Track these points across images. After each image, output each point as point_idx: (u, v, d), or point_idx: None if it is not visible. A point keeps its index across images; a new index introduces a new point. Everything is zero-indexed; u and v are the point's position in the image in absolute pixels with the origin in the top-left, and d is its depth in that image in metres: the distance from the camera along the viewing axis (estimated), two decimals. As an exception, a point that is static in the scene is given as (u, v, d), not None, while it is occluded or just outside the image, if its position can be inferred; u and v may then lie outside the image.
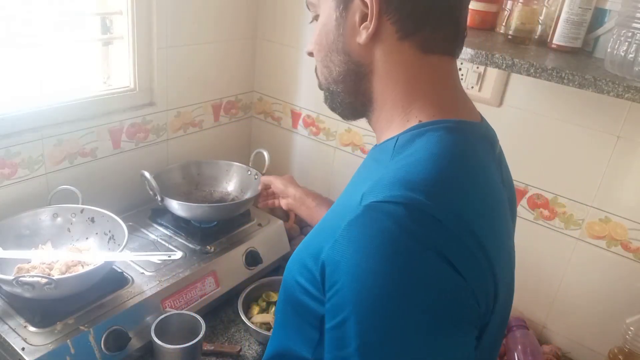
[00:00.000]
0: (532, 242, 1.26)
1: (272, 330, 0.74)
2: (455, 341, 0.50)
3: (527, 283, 1.29)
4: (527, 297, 1.30)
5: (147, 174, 1.22)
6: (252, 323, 1.12)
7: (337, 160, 1.58)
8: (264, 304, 1.21)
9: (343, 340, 0.51)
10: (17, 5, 1.10)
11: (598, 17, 1.06)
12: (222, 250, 1.24)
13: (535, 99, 1.19)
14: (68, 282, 0.96)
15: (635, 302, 1.14)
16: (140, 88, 1.35)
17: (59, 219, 1.15)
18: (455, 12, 0.60)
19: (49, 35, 1.19)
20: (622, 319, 1.11)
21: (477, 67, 1.24)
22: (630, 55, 0.88)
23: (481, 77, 1.24)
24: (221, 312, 1.20)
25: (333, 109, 0.68)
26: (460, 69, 1.27)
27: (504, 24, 1.14)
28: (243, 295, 1.19)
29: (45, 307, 0.96)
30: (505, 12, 1.15)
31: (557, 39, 1.05)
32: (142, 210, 1.36)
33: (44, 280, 0.91)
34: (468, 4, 0.63)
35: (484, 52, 0.96)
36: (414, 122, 0.60)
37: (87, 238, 1.15)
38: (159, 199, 1.23)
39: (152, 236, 1.27)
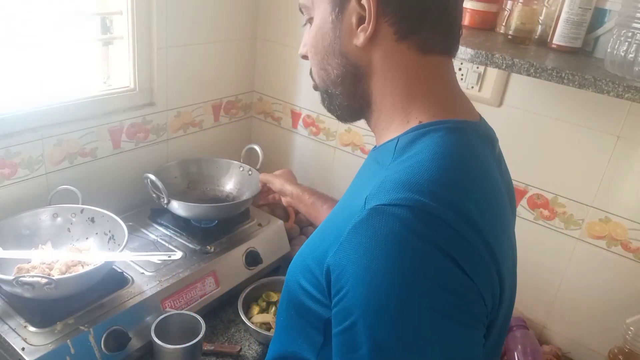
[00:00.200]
0: (532, 242, 1.26)
1: (272, 331, 0.74)
2: (465, 339, 0.50)
3: (527, 283, 1.29)
4: (527, 297, 1.30)
5: (152, 176, 1.22)
6: (252, 323, 1.12)
7: (337, 160, 1.58)
8: (264, 304, 1.21)
9: (353, 343, 0.51)
10: (17, 5, 1.10)
11: (598, 17, 1.06)
12: (222, 250, 1.24)
13: (535, 99, 1.19)
14: (68, 282, 0.96)
15: (635, 302, 1.14)
16: (140, 88, 1.35)
17: (59, 219, 1.15)
18: (452, 12, 0.60)
19: (49, 35, 1.19)
20: (622, 319, 1.11)
21: (477, 67, 1.24)
22: (630, 55, 0.88)
23: (481, 77, 1.24)
24: (221, 312, 1.20)
25: (331, 111, 0.68)
26: (460, 69, 1.27)
27: (504, 24, 1.14)
28: (243, 295, 1.19)
29: (45, 307, 0.96)
30: (505, 12, 1.15)
31: (557, 39, 1.05)
32: (142, 210, 1.36)
33: (44, 280, 0.91)
34: (462, 2, 0.63)
35: (484, 52, 0.96)
36: (414, 123, 0.59)
37: (87, 238, 1.15)
38: (166, 201, 1.22)
39: (152, 236, 1.27)
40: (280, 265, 1.38)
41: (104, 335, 0.96)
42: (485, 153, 0.61)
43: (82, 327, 0.95)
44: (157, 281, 1.10)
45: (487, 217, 0.54)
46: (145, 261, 1.14)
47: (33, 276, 0.92)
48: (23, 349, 0.89)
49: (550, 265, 1.25)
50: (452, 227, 0.49)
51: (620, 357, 1.10)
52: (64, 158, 1.23)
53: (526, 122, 1.20)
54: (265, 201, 1.31)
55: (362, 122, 0.69)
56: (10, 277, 0.90)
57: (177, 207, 1.24)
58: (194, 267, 1.16)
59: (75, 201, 1.16)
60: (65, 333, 0.93)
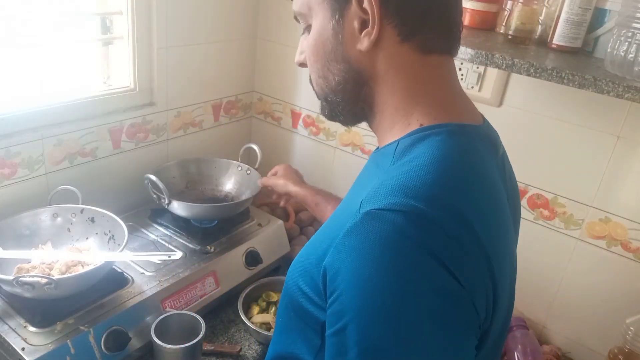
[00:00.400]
0: (532, 242, 1.26)
1: (272, 331, 0.74)
2: (455, 347, 0.50)
3: (527, 283, 1.29)
4: (527, 297, 1.30)
5: (152, 177, 1.22)
6: (252, 323, 1.12)
7: (337, 160, 1.58)
8: (264, 304, 1.21)
9: (344, 346, 0.51)
10: (17, 5, 1.10)
11: (598, 17, 1.06)
12: (222, 250, 1.24)
13: (535, 99, 1.19)
14: (68, 282, 0.96)
15: (635, 302, 1.14)
16: (140, 88, 1.35)
17: (59, 219, 1.15)
18: (452, 11, 0.60)
19: (49, 35, 1.19)
20: (622, 319, 1.11)
21: (477, 67, 1.24)
22: (630, 55, 0.88)
23: (481, 77, 1.24)
24: (221, 312, 1.20)
25: (333, 118, 0.67)
26: (460, 69, 1.27)
27: (504, 24, 1.14)
28: (243, 295, 1.19)
29: (45, 307, 0.96)
30: (505, 12, 1.15)
31: (557, 39, 1.05)
32: (142, 210, 1.36)
33: (44, 280, 0.91)
34: (462, 1, 0.63)
35: (484, 52, 0.96)
36: (415, 126, 0.59)
37: (87, 238, 1.15)
38: (167, 201, 1.22)
39: (152, 236, 1.27)
40: (280, 265, 1.38)
41: (104, 335, 0.96)
42: (486, 157, 0.61)
43: (82, 327, 0.95)
44: (157, 281, 1.10)
45: (484, 222, 0.54)
46: (145, 261, 1.14)
47: (33, 276, 0.92)
48: (23, 349, 0.89)
49: (550, 265, 1.25)
50: (446, 233, 0.49)
51: (620, 357, 1.10)
52: (64, 158, 1.23)
53: (526, 122, 1.20)
54: (266, 202, 1.31)
55: (362, 122, 0.69)
56: (10, 277, 0.90)
57: (178, 207, 1.24)
58: (194, 267, 1.16)
59: (75, 201, 1.16)
60: (65, 333, 0.93)
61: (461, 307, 0.50)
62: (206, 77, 1.51)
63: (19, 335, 0.92)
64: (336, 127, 1.55)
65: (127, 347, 0.98)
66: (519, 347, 1.17)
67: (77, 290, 0.98)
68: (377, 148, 0.66)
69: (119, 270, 1.10)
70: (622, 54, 0.89)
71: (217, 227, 1.31)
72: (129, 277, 1.10)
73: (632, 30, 0.88)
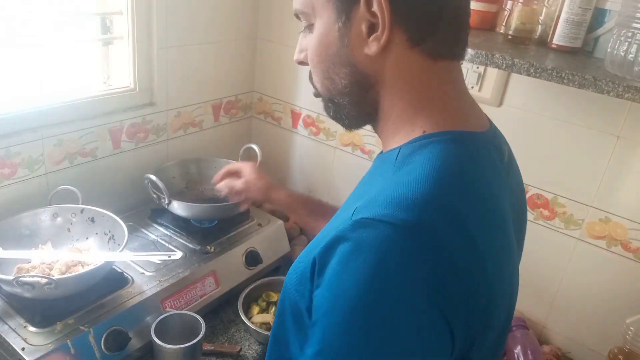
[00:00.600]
0: (532, 242, 1.25)
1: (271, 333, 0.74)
2: None
3: (527, 283, 1.28)
4: (527, 297, 1.30)
5: (152, 177, 1.22)
6: (252, 323, 1.12)
7: (337, 160, 1.58)
8: (264, 304, 1.21)
9: (309, 339, 0.52)
10: (17, 5, 1.10)
11: (598, 17, 1.06)
12: (222, 250, 1.24)
13: (535, 99, 1.19)
14: (68, 282, 0.96)
15: (635, 302, 1.14)
16: (140, 88, 1.35)
17: (59, 219, 1.15)
18: (462, 14, 0.59)
19: (49, 35, 1.19)
20: (622, 319, 1.11)
21: (477, 67, 1.24)
22: (630, 55, 0.88)
23: (481, 77, 1.24)
24: (221, 312, 1.20)
25: (337, 120, 0.66)
26: (460, 69, 1.27)
27: (504, 24, 1.14)
28: (243, 295, 1.19)
29: (45, 307, 0.96)
30: (505, 12, 1.15)
31: (557, 39, 1.05)
32: (142, 210, 1.36)
33: (44, 280, 0.91)
34: (470, 4, 0.62)
35: (484, 52, 0.96)
36: (418, 133, 0.58)
37: (87, 238, 1.15)
38: (167, 201, 1.22)
39: (152, 236, 1.27)
40: (280, 265, 1.38)
41: (104, 335, 0.96)
42: (487, 167, 0.59)
43: (82, 327, 0.95)
44: (157, 281, 1.10)
45: (478, 238, 0.53)
46: (145, 261, 1.14)
47: (33, 276, 0.92)
48: (23, 349, 0.89)
49: (550, 265, 1.25)
50: (433, 250, 0.48)
51: (620, 357, 1.10)
52: (64, 158, 1.23)
53: (526, 122, 1.20)
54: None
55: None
56: (10, 277, 0.90)
57: (178, 207, 1.24)
58: (194, 267, 1.16)
59: (75, 201, 1.16)
60: (65, 333, 0.93)
61: (433, 333, 0.49)
62: (206, 77, 1.51)
63: (19, 335, 0.92)
64: (336, 127, 1.55)
65: (127, 347, 0.98)
66: (519, 347, 1.17)
67: (77, 290, 0.98)
68: (381, 152, 0.65)
69: (119, 270, 1.10)
70: (622, 54, 0.89)
71: (217, 227, 1.31)
72: (129, 277, 1.10)
73: (632, 30, 0.88)
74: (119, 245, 1.06)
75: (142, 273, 1.12)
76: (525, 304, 1.31)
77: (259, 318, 1.16)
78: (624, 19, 0.90)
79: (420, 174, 0.52)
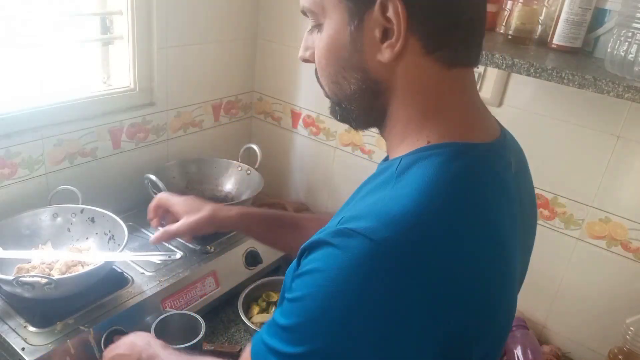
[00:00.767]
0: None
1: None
2: None
3: (527, 283, 1.28)
4: (527, 297, 1.29)
5: (152, 177, 1.22)
6: (252, 323, 1.12)
7: (337, 160, 1.58)
8: (264, 304, 1.21)
9: (281, 308, 0.54)
10: (17, 5, 1.10)
11: (598, 17, 1.06)
12: (222, 250, 1.24)
13: (535, 99, 1.19)
14: (68, 282, 0.96)
15: (635, 302, 1.14)
16: (140, 88, 1.35)
17: (59, 219, 1.15)
18: (480, 20, 0.57)
19: (49, 35, 1.19)
20: (622, 319, 1.11)
21: (477, 67, 1.23)
22: (630, 55, 0.88)
23: (481, 77, 1.24)
24: (221, 312, 1.20)
25: (344, 122, 0.65)
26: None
27: (504, 24, 1.14)
28: (243, 295, 1.19)
29: (45, 307, 0.96)
30: (505, 12, 1.15)
31: (557, 39, 1.05)
32: (142, 210, 1.35)
33: (44, 280, 0.91)
34: (486, 9, 0.60)
35: (484, 52, 0.96)
36: (422, 143, 0.57)
37: (87, 238, 1.15)
38: None
39: (152, 236, 1.27)
40: (280, 265, 1.38)
41: (104, 335, 0.96)
42: (488, 183, 0.57)
43: (82, 327, 0.95)
44: (157, 281, 1.10)
45: (473, 253, 0.51)
46: (145, 261, 1.14)
47: (33, 276, 0.92)
48: (23, 349, 0.89)
49: (550, 265, 1.25)
50: (408, 272, 0.48)
51: (620, 357, 1.10)
52: (64, 158, 1.23)
53: (526, 122, 1.20)
54: (266, 202, 1.26)
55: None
56: (10, 277, 0.90)
57: (177, 207, 1.24)
58: (194, 267, 1.16)
59: (75, 201, 1.16)
60: (65, 333, 0.93)
61: (394, 348, 0.49)
62: (206, 77, 1.51)
63: (19, 335, 0.92)
64: (336, 127, 1.55)
65: (127, 347, 0.98)
66: (519, 347, 1.17)
67: (77, 290, 0.98)
68: (386, 157, 0.64)
69: (119, 270, 1.10)
70: (622, 54, 0.89)
71: (217, 227, 1.31)
72: (129, 277, 1.10)
73: (632, 30, 0.88)
74: (119, 245, 1.06)
75: (142, 273, 1.12)
76: (525, 304, 1.31)
77: (259, 318, 1.16)
78: (624, 19, 0.90)
79: (413, 188, 0.51)
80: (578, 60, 1.01)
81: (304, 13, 0.61)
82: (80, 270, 1.03)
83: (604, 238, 1.17)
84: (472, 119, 0.60)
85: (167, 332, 1.00)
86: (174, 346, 0.95)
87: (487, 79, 1.23)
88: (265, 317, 1.16)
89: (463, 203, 0.53)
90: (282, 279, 0.75)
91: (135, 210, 1.36)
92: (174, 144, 1.49)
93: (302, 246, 0.54)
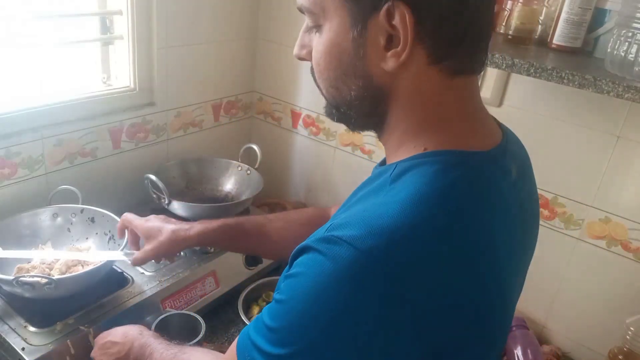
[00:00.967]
0: (532, 242, 1.26)
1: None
2: None
3: (527, 283, 1.28)
4: (527, 297, 1.29)
5: (152, 177, 1.22)
6: (252, 323, 1.12)
7: (337, 160, 1.58)
8: (264, 304, 1.21)
9: (268, 310, 0.54)
10: (17, 5, 1.09)
11: (598, 17, 1.06)
12: (222, 250, 1.24)
13: (535, 99, 1.19)
14: (68, 282, 0.96)
15: (635, 302, 1.14)
16: (140, 88, 1.35)
17: (59, 219, 1.15)
18: (487, 28, 0.56)
19: (49, 35, 1.18)
20: (622, 319, 1.11)
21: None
22: (630, 55, 0.88)
23: (481, 77, 1.24)
24: (221, 312, 1.20)
25: (340, 122, 0.64)
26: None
27: (504, 24, 1.14)
28: (243, 295, 1.19)
29: (45, 307, 0.96)
30: (505, 12, 1.15)
31: (557, 39, 1.05)
32: (142, 210, 1.35)
33: (44, 280, 0.91)
34: (494, 14, 0.59)
35: (484, 52, 0.96)
36: (418, 150, 0.56)
37: (87, 238, 1.15)
38: (167, 201, 1.22)
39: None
40: (281, 265, 1.38)
41: (104, 335, 0.96)
42: (484, 188, 0.56)
43: (82, 327, 0.95)
44: (157, 281, 1.10)
45: (459, 271, 0.50)
46: (145, 261, 1.14)
47: (33, 276, 0.92)
48: (23, 349, 0.89)
49: (550, 265, 1.25)
50: (396, 283, 0.47)
51: (620, 357, 1.10)
52: (64, 158, 1.23)
53: (526, 122, 1.20)
54: (266, 202, 1.27)
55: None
56: (10, 277, 0.90)
57: (178, 207, 1.24)
58: (194, 267, 1.16)
59: (75, 201, 1.16)
60: (65, 333, 0.93)
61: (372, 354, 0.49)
62: (206, 77, 1.51)
63: (19, 335, 0.92)
64: (336, 127, 1.55)
65: (127, 347, 0.98)
66: (519, 347, 1.17)
67: (77, 290, 0.98)
68: (383, 160, 0.63)
69: (119, 270, 1.10)
70: (622, 54, 0.89)
71: (217, 227, 1.31)
72: (129, 277, 1.10)
73: (632, 30, 0.88)
74: (119, 245, 1.06)
75: (142, 273, 1.12)
76: (525, 304, 1.31)
77: (259, 318, 1.16)
78: (624, 19, 0.91)
79: (404, 197, 0.50)
80: (578, 60, 1.01)
81: (301, 10, 0.59)
82: (80, 270, 1.03)
83: (604, 238, 1.17)
84: (472, 126, 0.58)
85: (167, 332, 1.00)
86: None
87: (487, 79, 1.23)
88: (265, 317, 1.16)
89: (454, 214, 0.51)
90: (282, 280, 0.75)
91: (135, 210, 1.35)
92: (174, 144, 1.49)
93: (294, 249, 0.54)
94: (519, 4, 1.07)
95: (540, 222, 1.23)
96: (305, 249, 0.52)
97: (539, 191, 1.22)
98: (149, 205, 1.35)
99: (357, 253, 0.47)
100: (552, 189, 1.21)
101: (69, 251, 1.11)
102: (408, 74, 0.54)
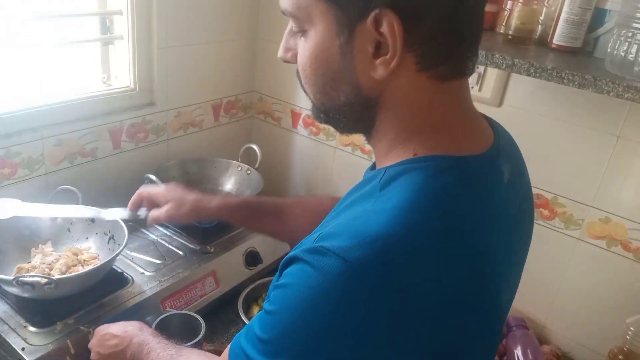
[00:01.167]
0: (532, 242, 1.26)
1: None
2: None
3: (527, 283, 1.28)
4: (527, 297, 1.29)
5: (152, 177, 1.22)
6: (252, 323, 1.12)
7: (337, 160, 1.58)
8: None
9: (259, 321, 0.54)
10: (17, 5, 1.09)
11: (598, 17, 1.06)
12: (222, 250, 1.24)
13: (535, 99, 1.19)
14: (68, 282, 0.96)
15: (635, 302, 1.14)
16: (140, 88, 1.35)
17: (59, 219, 1.15)
18: (478, 30, 0.55)
19: (49, 35, 1.18)
20: (622, 319, 1.11)
21: (477, 67, 1.24)
22: (630, 55, 0.88)
23: (481, 77, 1.24)
24: (221, 312, 1.20)
25: (329, 125, 0.63)
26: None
27: (504, 24, 1.14)
28: (243, 295, 1.19)
29: (45, 307, 0.96)
30: (505, 12, 1.15)
31: (557, 39, 1.05)
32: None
33: (44, 280, 0.91)
34: (484, 15, 0.57)
35: (484, 52, 0.96)
36: (408, 155, 0.55)
37: (87, 238, 1.15)
38: None
39: (152, 236, 1.27)
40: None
41: (104, 335, 0.96)
42: (476, 196, 0.54)
43: (82, 327, 0.95)
44: (157, 281, 1.10)
45: (449, 280, 0.50)
46: (145, 261, 1.14)
47: (33, 276, 0.92)
48: (23, 349, 0.89)
49: (550, 265, 1.25)
50: (384, 294, 0.46)
51: (620, 357, 1.10)
52: (64, 158, 1.23)
53: (526, 122, 1.20)
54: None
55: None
56: (10, 277, 0.90)
57: (177, 207, 1.24)
58: (194, 267, 1.16)
59: (75, 201, 1.16)
60: (65, 333, 0.94)
61: None
62: (206, 77, 1.51)
63: (19, 335, 0.92)
64: (336, 127, 1.55)
65: (127, 347, 0.98)
66: (519, 347, 1.17)
67: (77, 290, 0.98)
68: (373, 164, 0.62)
69: (119, 270, 1.10)
70: (622, 54, 0.89)
71: (217, 227, 1.31)
72: (129, 277, 1.10)
73: (632, 30, 0.88)
74: (119, 245, 1.06)
75: (142, 273, 1.12)
76: (525, 304, 1.31)
77: (259, 318, 1.16)
78: (624, 19, 0.90)
79: (393, 205, 0.49)
80: (578, 60, 1.01)
81: (285, 14, 0.57)
82: (80, 270, 1.03)
83: (604, 238, 1.17)
84: (463, 130, 0.57)
85: (167, 332, 1.00)
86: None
87: (487, 79, 1.24)
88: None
89: (443, 222, 0.50)
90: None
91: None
92: (174, 144, 1.49)
93: (284, 258, 0.54)
94: (519, 4, 1.07)
95: (541, 222, 1.24)
96: (294, 260, 0.51)
97: (539, 191, 1.23)
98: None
99: (345, 264, 0.46)
100: (552, 189, 1.21)
101: (69, 251, 1.11)
102: (397, 81, 0.53)
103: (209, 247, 1.24)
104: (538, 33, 1.13)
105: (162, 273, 1.12)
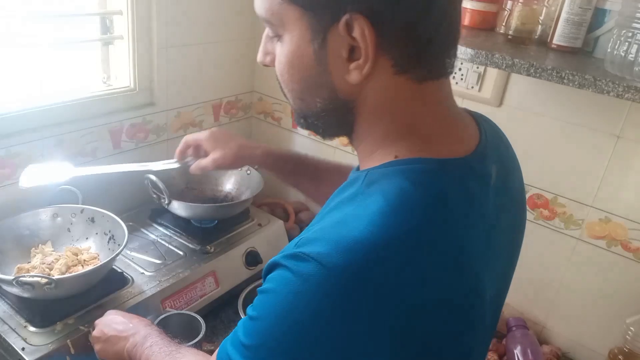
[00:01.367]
0: (532, 242, 1.25)
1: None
2: None
3: (527, 283, 1.29)
4: (527, 297, 1.30)
5: (152, 177, 1.22)
6: (252, 323, 1.12)
7: (337, 160, 1.58)
8: (264, 304, 1.21)
9: (243, 327, 0.53)
10: (16, 5, 1.09)
11: (598, 17, 1.06)
12: (222, 250, 1.24)
13: (535, 99, 1.19)
14: (68, 282, 0.96)
15: (635, 302, 1.14)
16: (140, 88, 1.35)
17: (59, 219, 1.15)
18: (454, 31, 0.54)
19: (49, 35, 1.19)
20: (622, 319, 1.11)
21: (477, 67, 1.24)
22: (631, 55, 0.88)
23: (481, 77, 1.24)
24: (221, 312, 1.20)
25: (310, 130, 0.64)
26: (460, 69, 1.27)
27: (504, 24, 1.14)
28: (243, 295, 1.19)
29: (45, 307, 0.96)
30: (505, 12, 1.15)
31: (557, 39, 1.05)
32: (142, 210, 1.36)
33: (44, 280, 0.91)
34: (461, 15, 0.57)
35: (484, 52, 0.96)
36: (389, 158, 0.54)
37: (87, 238, 1.15)
38: (167, 201, 1.22)
39: (152, 236, 1.27)
40: (280, 265, 1.38)
41: (104, 335, 0.96)
42: (459, 200, 0.53)
43: (82, 327, 0.95)
44: (157, 281, 1.10)
45: (429, 286, 0.49)
46: (145, 261, 1.14)
47: (33, 276, 0.92)
48: (23, 349, 0.89)
49: (551, 265, 1.25)
50: (362, 301, 0.46)
51: (620, 357, 1.10)
52: (64, 158, 1.23)
53: (526, 122, 1.20)
54: (266, 202, 1.21)
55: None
56: (10, 277, 0.90)
57: (178, 207, 1.24)
58: (194, 267, 1.16)
59: (75, 201, 1.16)
60: (65, 333, 0.94)
61: None
62: (206, 77, 1.51)
63: (19, 335, 0.92)
64: (336, 127, 1.55)
65: (127, 347, 0.98)
66: (519, 347, 1.17)
67: (77, 290, 0.98)
68: (356, 169, 0.62)
69: (119, 270, 1.10)
70: (622, 54, 0.89)
71: (217, 227, 1.31)
72: (129, 277, 1.10)
73: (632, 30, 0.88)
74: (119, 245, 1.06)
75: (142, 273, 1.12)
76: (525, 304, 1.31)
77: (259, 318, 1.16)
78: (624, 19, 0.91)
79: (374, 210, 0.49)
80: (578, 60, 1.01)
81: (260, 19, 0.57)
82: (80, 270, 1.03)
83: (604, 238, 1.17)
84: (445, 131, 0.57)
85: (167, 332, 1.00)
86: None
87: (487, 79, 1.24)
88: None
89: (423, 227, 0.50)
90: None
91: (135, 210, 1.36)
92: (174, 144, 1.48)
93: (266, 264, 0.54)
94: (519, 4, 1.07)
95: (541, 222, 1.24)
96: (276, 265, 0.51)
97: (539, 191, 1.23)
98: (149, 205, 1.35)
99: (324, 270, 0.46)
100: (552, 189, 1.21)
101: (69, 251, 1.11)
102: (374, 85, 0.53)
103: (209, 247, 1.24)
104: (538, 33, 1.13)
105: (162, 273, 1.12)
